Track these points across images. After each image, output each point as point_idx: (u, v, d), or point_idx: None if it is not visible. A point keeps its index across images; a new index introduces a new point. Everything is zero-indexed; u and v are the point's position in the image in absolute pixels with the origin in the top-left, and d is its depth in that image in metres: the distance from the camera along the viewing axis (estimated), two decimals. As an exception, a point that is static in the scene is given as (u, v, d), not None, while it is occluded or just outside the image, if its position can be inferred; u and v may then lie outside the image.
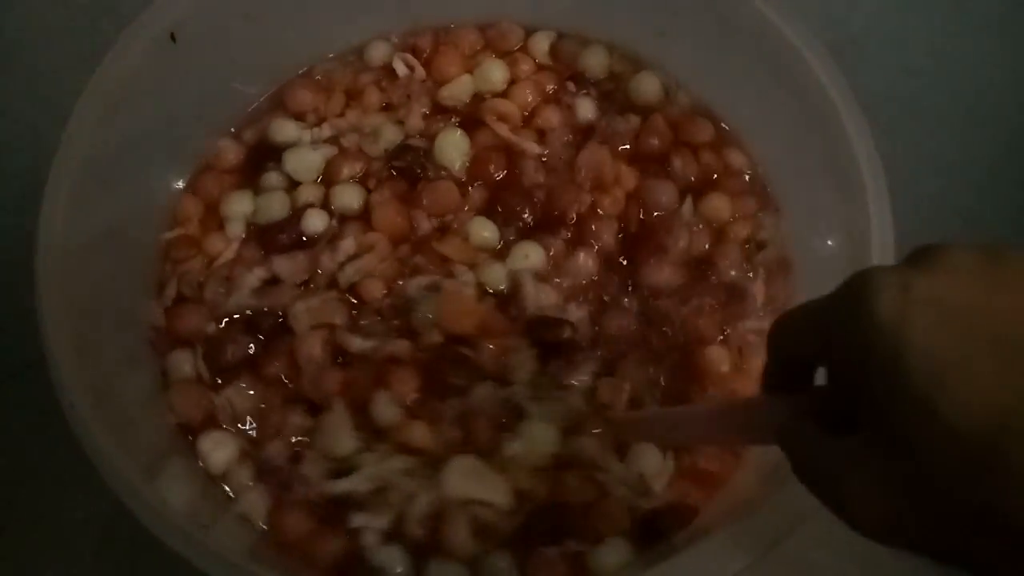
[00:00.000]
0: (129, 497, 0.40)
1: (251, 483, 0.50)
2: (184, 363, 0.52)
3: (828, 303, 0.27)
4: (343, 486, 0.48)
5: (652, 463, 0.50)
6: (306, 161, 0.58)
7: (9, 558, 0.57)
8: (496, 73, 0.60)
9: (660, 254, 0.55)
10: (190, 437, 0.51)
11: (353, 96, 0.61)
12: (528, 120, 0.60)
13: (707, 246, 0.56)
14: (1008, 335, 0.22)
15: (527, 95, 0.60)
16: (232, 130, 0.60)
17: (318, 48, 0.62)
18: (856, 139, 0.48)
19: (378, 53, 0.62)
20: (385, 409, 0.50)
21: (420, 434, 0.49)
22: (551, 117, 0.59)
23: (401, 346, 0.52)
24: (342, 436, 0.49)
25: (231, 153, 0.58)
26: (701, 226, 0.56)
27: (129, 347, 0.52)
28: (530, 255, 0.54)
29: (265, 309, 0.53)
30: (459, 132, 0.58)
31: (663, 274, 0.54)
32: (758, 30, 0.51)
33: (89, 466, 0.40)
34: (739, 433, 0.38)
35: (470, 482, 0.48)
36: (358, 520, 0.48)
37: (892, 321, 0.23)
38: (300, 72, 0.61)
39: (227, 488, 0.50)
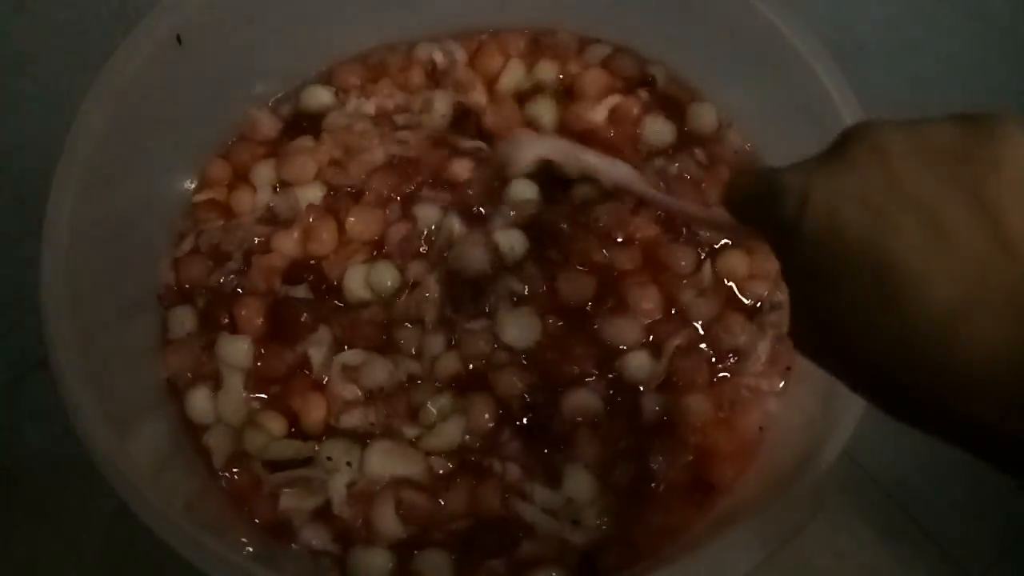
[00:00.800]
0: (131, 496, 0.41)
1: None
2: (186, 319, 0.55)
3: (755, 191, 0.28)
4: (275, 480, 0.50)
5: (583, 487, 0.50)
6: (342, 124, 0.59)
7: (14, 555, 0.57)
8: (549, 72, 0.61)
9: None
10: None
11: (400, 85, 0.62)
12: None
13: (716, 311, 0.54)
14: (874, 253, 0.23)
15: (597, 89, 0.60)
16: (270, 103, 0.61)
17: (367, 39, 0.63)
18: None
19: (425, 52, 0.63)
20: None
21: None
22: (631, 107, 0.59)
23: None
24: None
25: (266, 125, 0.60)
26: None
27: (132, 341, 0.53)
28: (515, 247, 0.54)
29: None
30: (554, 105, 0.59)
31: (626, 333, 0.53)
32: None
33: (93, 464, 0.41)
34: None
35: (392, 461, 0.50)
36: (286, 501, 0.50)
37: (789, 230, 0.25)
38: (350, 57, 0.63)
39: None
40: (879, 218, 0.23)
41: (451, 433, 0.50)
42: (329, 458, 0.50)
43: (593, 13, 0.61)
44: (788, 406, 0.52)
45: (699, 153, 0.58)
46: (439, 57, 0.62)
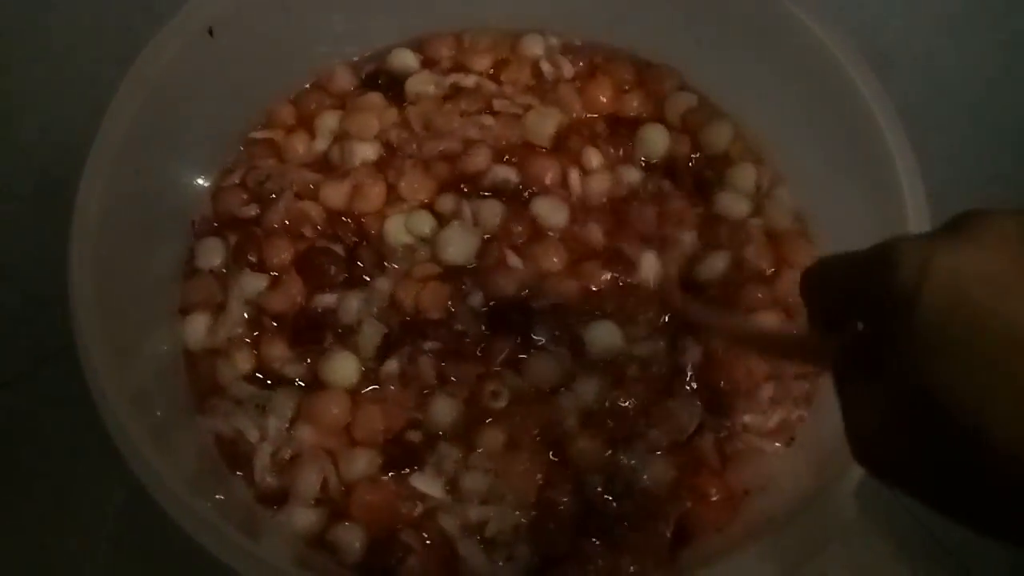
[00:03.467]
0: (144, 473, 0.40)
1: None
2: (215, 252, 0.54)
3: (855, 264, 0.28)
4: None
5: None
6: (427, 90, 0.59)
7: (27, 547, 0.56)
8: (659, 143, 0.58)
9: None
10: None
11: (499, 68, 0.61)
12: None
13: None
14: (1008, 325, 0.23)
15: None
16: (354, 59, 0.61)
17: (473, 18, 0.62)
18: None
19: (533, 46, 0.61)
20: None
21: None
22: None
23: None
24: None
25: (343, 79, 0.59)
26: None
27: (156, 331, 0.51)
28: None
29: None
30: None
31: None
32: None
33: (107, 456, 0.39)
34: (799, 358, 0.41)
35: None
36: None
37: (906, 296, 0.25)
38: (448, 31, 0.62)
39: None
40: (1007, 292, 0.24)
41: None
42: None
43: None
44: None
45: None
46: (546, 67, 0.60)
